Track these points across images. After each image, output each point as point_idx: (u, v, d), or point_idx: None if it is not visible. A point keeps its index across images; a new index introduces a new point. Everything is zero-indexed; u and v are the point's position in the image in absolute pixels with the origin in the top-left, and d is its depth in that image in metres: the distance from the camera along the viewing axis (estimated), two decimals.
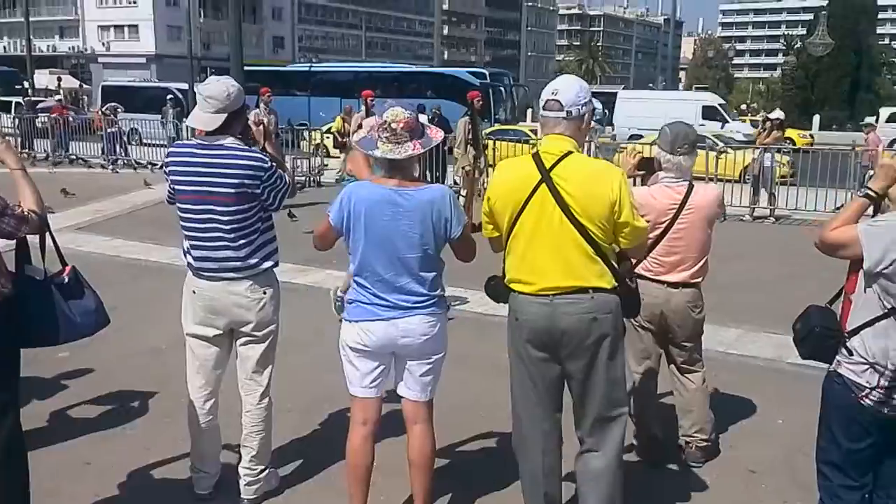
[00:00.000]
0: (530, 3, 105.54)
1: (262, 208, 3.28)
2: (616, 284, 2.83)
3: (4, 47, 62.72)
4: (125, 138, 19.14)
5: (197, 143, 3.28)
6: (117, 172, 16.87)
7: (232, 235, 3.21)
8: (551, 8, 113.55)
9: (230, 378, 3.52)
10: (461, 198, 10.95)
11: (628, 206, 2.75)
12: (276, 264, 3.41)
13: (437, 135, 3.05)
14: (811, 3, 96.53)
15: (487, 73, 32.27)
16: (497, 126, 20.79)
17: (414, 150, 2.93)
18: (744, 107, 47.92)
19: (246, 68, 33.98)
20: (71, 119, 19.28)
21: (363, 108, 12.27)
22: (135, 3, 60.29)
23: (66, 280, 3.06)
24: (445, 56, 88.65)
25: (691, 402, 3.80)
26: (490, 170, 12.36)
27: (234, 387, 3.50)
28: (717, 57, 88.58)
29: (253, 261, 3.27)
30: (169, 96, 22.16)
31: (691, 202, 3.56)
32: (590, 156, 14.09)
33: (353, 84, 28.31)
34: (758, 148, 12.26)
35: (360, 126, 12.03)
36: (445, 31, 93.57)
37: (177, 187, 3.26)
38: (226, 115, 3.19)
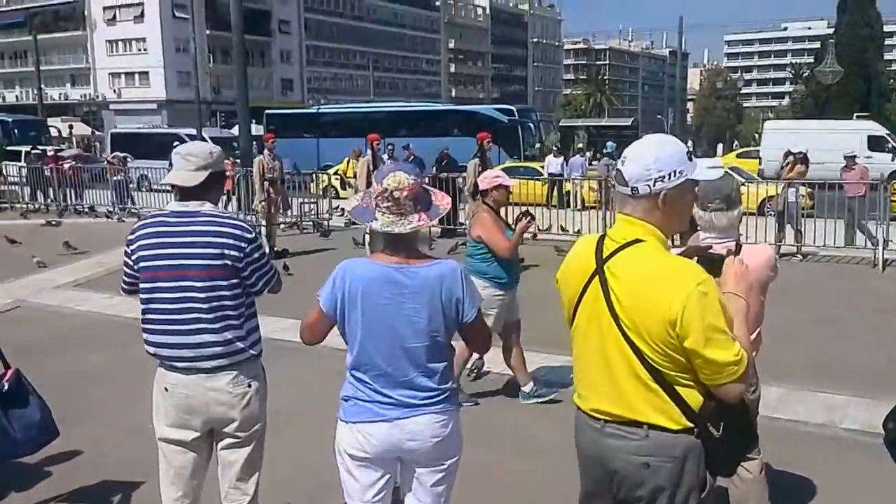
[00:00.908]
0: (535, 40, 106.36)
1: (244, 291, 2.88)
2: (691, 426, 2.07)
3: (17, 96, 63.50)
4: (131, 186, 18.94)
5: (169, 211, 2.89)
6: (123, 221, 16.62)
7: (211, 316, 2.78)
8: (557, 43, 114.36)
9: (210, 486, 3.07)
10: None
11: (699, 331, 1.96)
12: (261, 353, 2.98)
13: (444, 202, 2.62)
14: (816, 31, 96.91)
15: (515, 109, 31.71)
16: (509, 163, 20.50)
17: (419, 222, 2.50)
18: (757, 136, 47.60)
19: (267, 112, 34.40)
20: (67, 168, 19.06)
21: (369, 151, 11.95)
22: (145, 50, 61.02)
23: (6, 387, 2.60)
24: (453, 93, 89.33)
25: (748, 495, 3.32)
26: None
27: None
28: (726, 87, 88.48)
29: (238, 346, 2.84)
30: (175, 143, 21.98)
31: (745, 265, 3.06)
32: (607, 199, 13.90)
33: (380, 123, 27.91)
34: (781, 182, 11.82)
35: (367, 170, 11.68)
36: (452, 69, 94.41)
37: (144, 265, 2.82)
38: (208, 172, 2.84)
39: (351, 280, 2.52)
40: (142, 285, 2.85)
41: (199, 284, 2.76)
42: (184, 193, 2.86)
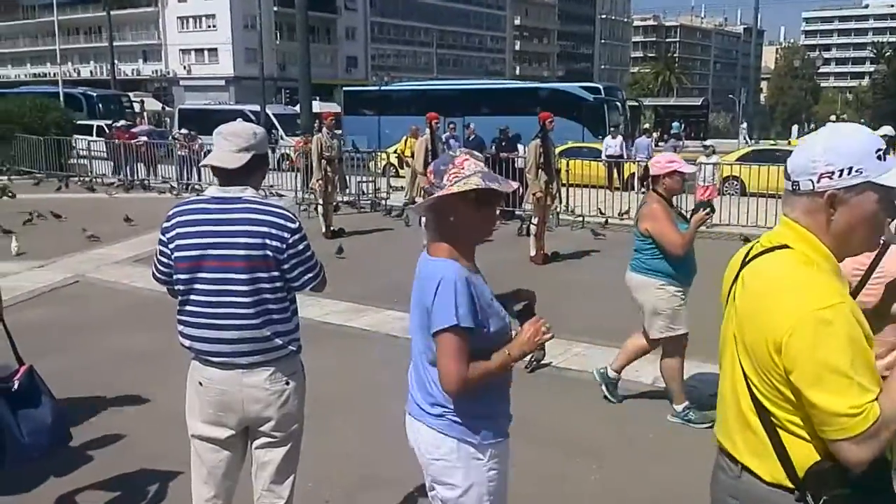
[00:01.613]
0: (604, 16, 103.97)
1: (285, 285, 2.69)
2: (790, 483, 1.66)
3: (91, 71, 65.36)
4: (197, 161, 19.16)
5: (210, 196, 2.69)
6: (181, 196, 16.85)
7: (253, 311, 2.61)
8: (625, 20, 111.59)
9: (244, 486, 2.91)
10: (532, 226, 10.22)
11: (807, 364, 1.56)
12: (300, 349, 2.80)
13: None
14: None
15: (602, 87, 30.44)
16: (570, 144, 19.91)
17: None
18: (833, 118, 45.52)
19: (345, 89, 34.03)
20: (137, 142, 19.38)
21: (427, 130, 11.68)
22: (214, 27, 61.99)
23: (17, 386, 2.45)
24: (517, 71, 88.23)
25: None
26: (561, 194, 11.58)
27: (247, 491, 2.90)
28: (803, 66, 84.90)
29: (277, 342, 2.67)
30: (238, 119, 22.10)
31: (883, 266, 2.63)
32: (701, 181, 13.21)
33: (460, 102, 27.76)
34: None
35: (425, 151, 11.41)
36: (517, 47, 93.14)
37: (182, 254, 2.64)
38: (251, 154, 2.65)
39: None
40: (178, 276, 2.68)
41: (241, 277, 2.59)
42: (224, 177, 2.67)
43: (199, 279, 2.64)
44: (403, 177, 16.24)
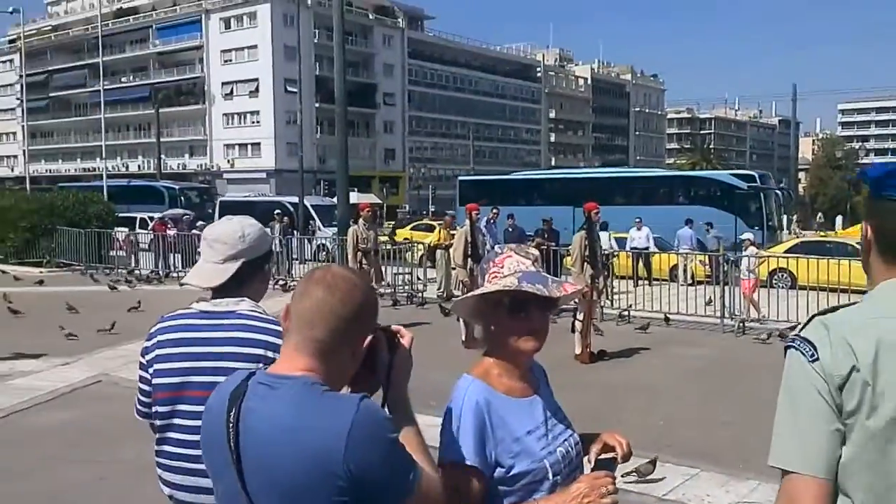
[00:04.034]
0: (637, 109, 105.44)
1: None
2: None
3: (139, 165, 67.66)
4: None
5: (198, 310, 2.22)
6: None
7: None
8: (659, 112, 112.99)
9: None
10: (578, 322, 9.68)
11: None
12: None
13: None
14: None
15: (757, 175, 27.53)
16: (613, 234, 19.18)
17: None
18: None
19: (460, 178, 32.86)
20: (169, 234, 19.51)
21: (467, 221, 11.38)
22: (258, 122, 64.14)
23: None
24: (553, 162, 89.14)
25: None
26: (609, 289, 11.07)
27: None
28: (843, 156, 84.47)
29: None
30: (276, 211, 22.25)
31: None
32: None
33: (587, 192, 27.34)
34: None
35: (465, 242, 11.05)
36: (552, 138, 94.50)
37: (161, 381, 2.16)
38: (239, 263, 2.19)
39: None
40: (157, 408, 2.18)
41: None
42: (216, 289, 2.22)
43: (180, 413, 2.14)
44: (433, 267, 15.91)
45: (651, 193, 26.62)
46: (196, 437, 2.03)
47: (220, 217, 27.92)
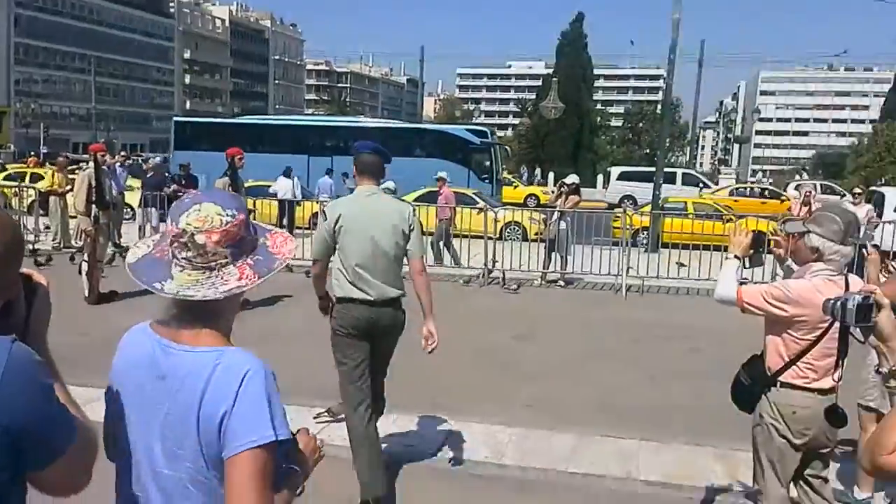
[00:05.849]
0: (277, 57, 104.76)
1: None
2: None
3: None
4: None
5: None
6: None
7: None
8: (299, 62, 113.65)
9: None
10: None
11: None
12: None
13: (284, 250, 1.62)
14: (536, 71, 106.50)
15: (489, 131, 28.62)
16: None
17: (241, 280, 1.54)
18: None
19: (175, 119, 28.41)
20: None
21: (91, 163, 10.11)
22: None
23: None
24: (188, 105, 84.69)
25: None
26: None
27: None
28: (462, 115, 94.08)
29: None
30: None
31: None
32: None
33: (319, 140, 25.99)
34: (550, 211, 12.13)
35: (90, 187, 9.95)
36: (187, 80, 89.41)
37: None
38: None
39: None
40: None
41: None
42: None
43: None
44: (44, 215, 13.99)
45: (386, 145, 27.23)
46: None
47: None
